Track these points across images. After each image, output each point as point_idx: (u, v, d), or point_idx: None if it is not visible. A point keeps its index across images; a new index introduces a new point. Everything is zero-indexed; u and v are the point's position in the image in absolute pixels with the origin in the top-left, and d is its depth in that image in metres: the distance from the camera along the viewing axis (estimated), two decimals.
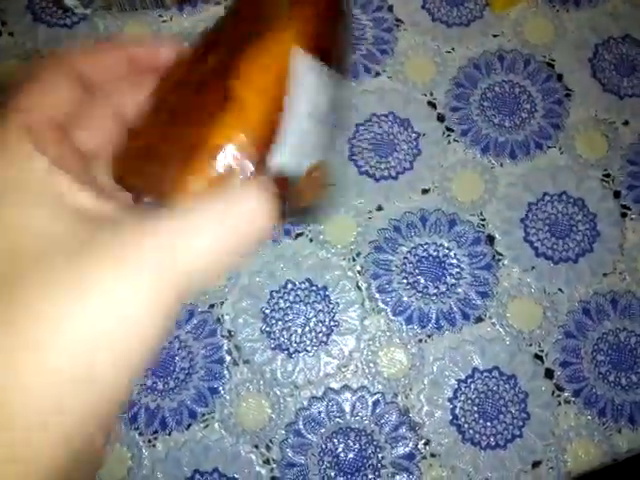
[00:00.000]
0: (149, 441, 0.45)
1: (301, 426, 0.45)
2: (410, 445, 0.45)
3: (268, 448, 0.45)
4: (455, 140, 0.50)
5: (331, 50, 0.26)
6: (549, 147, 0.49)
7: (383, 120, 0.50)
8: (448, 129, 0.50)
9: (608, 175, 0.49)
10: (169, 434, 0.46)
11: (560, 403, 0.45)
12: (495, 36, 0.52)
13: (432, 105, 0.50)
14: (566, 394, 0.45)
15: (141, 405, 0.46)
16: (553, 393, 0.46)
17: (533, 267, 0.47)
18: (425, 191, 0.49)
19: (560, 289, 0.47)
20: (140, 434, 0.46)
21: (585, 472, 0.45)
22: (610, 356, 0.46)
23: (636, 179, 0.49)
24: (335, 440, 0.45)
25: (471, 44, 0.51)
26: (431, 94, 0.51)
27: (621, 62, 0.51)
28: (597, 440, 0.45)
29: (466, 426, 0.45)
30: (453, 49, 0.51)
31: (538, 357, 0.46)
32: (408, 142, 0.50)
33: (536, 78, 0.51)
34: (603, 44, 0.51)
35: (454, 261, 0.47)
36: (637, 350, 0.46)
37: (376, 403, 0.46)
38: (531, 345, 0.46)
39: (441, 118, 0.50)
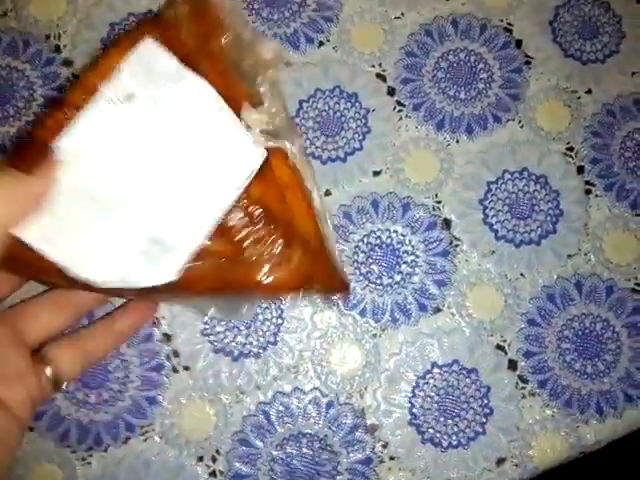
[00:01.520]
0: (83, 459, 0.41)
1: (249, 434, 0.42)
2: (367, 449, 0.42)
3: (214, 459, 0.42)
4: (407, 116, 0.45)
5: None
6: (508, 120, 0.46)
7: (329, 96, 0.45)
8: (399, 104, 0.46)
9: (571, 149, 0.46)
10: (105, 450, 0.42)
11: (524, 396, 0.43)
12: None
13: (381, 77, 0.46)
14: (530, 386, 0.43)
15: (72, 420, 0.42)
16: (517, 385, 0.43)
17: (493, 251, 0.44)
18: (376, 173, 0.45)
19: (522, 274, 0.44)
20: (73, 452, 0.42)
21: (552, 467, 0.42)
22: (575, 344, 0.43)
23: (600, 152, 0.46)
24: (286, 447, 0.42)
25: (422, 9, 0.47)
26: (380, 65, 0.46)
27: (583, 24, 0.47)
28: (563, 433, 0.42)
29: (426, 425, 0.42)
30: (402, 14, 0.47)
31: (500, 348, 0.43)
32: (357, 119, 0.45)
33: (493, 44, 0.46)
34: (564, 5, 0.47)
35: (409, 248, 0.44)
36: (603, 336, 0.43)
37: (329, 405, 0.42)
38: (492, 335, 0.43)
39: (391, 92, 0.46)
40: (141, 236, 0.29)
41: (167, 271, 0.29)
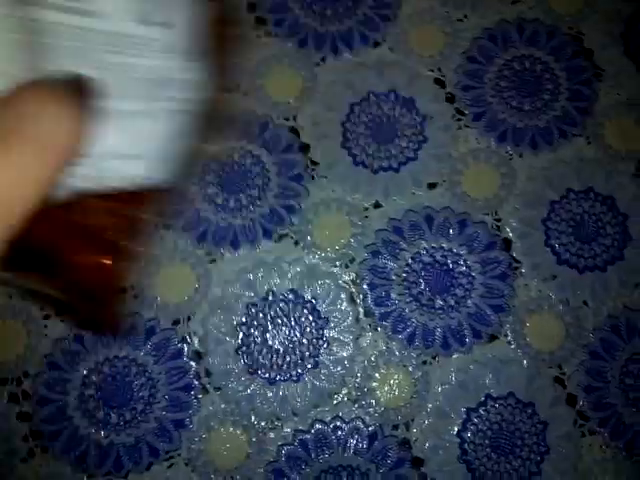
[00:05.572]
0: None
1: (284, 464, 0.38)
2: None
3: None
4: (467, 125, 0.42)
5: None
6: (574, 135, 0.42)
7: (383, 100, 0.42)
8: (459, 112, 0.42)
9: None
10: (125, 477, 0.38)
11: (584, 434, 0.39)
12: (514, 2, 0.44)
13: (440, 83, 0.43)
14: (590, 423, 0.39)
15: (90, 442, 0.38)
16: (576, 422, 0.39)
17: (555, 276, 0.41)
18: (431, 186, 0.41)
19: (585, 302, 0.41)
20: (90, 476, 0.38)
21: None
22: None
23: None
24: None
25: (487, 11, 0.44)
26: (439, 70, 0.43)
27: None
28: (626, 477, 0.39)
29: (477, 462, 0.39)
30: (466, 17, 0.44)
31: (559, 381, 0.40)
32: (412, 127, 0.42)
33: (561, 54, 0.43)
34: (637, 15, 0.44)
35: (464, 269, 0.40)
36: None
37: (373, 436, 0.39)
38: (551, 367, 0.40)
39: (450, 99, 0.42)
40: None
41: None
